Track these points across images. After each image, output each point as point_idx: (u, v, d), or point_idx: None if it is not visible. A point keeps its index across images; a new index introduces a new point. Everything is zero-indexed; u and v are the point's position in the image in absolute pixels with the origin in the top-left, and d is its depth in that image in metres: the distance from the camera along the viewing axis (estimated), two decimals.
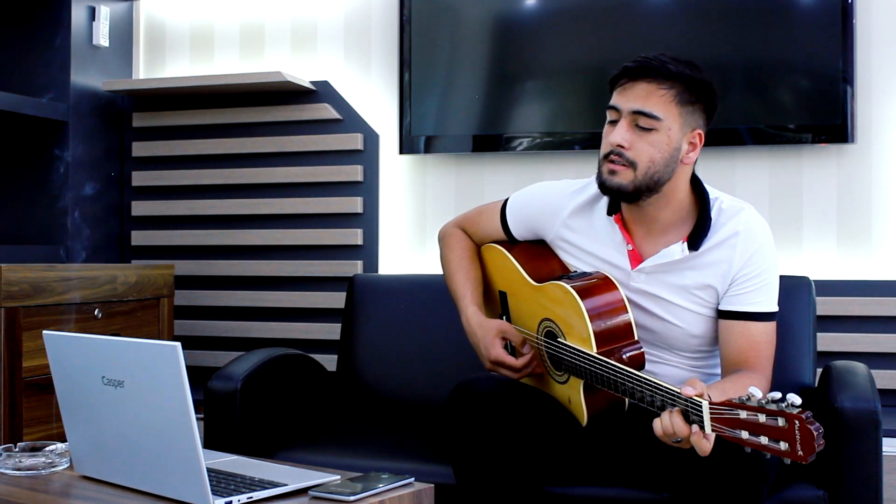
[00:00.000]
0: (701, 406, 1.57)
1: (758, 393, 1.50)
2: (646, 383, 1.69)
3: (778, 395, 1.49)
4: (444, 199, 3.04)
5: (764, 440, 1.48)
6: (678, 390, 1.61)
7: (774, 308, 1.92)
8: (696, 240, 1.90)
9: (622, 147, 1.86)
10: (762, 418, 1.49)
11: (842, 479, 1.91)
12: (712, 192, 1.96)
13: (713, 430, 1.56)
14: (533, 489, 1.91)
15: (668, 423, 1.62)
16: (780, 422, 1.47)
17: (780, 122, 2.70)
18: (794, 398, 1.46)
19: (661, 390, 1.65)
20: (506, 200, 2.19)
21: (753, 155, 2.78)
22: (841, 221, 2.72)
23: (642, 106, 1.84)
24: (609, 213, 1.98)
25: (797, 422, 1.45)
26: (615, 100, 1.89)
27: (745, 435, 1.51)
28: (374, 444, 2.31)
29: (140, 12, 3.37)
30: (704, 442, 1.58)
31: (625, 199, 1.92)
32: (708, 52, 2.75)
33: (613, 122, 1.89)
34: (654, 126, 1.84)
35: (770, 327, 1.91)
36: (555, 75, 2.89)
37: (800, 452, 1.45)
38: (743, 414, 1.51)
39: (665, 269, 1.93)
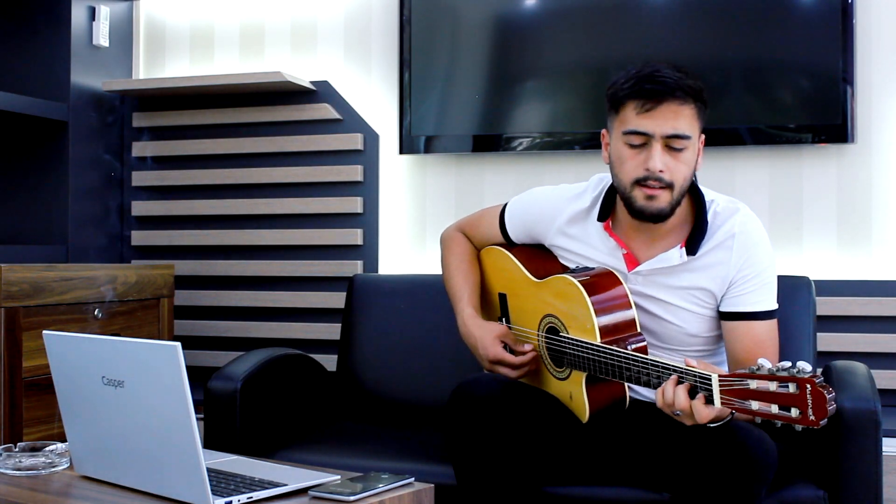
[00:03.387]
0: (710, 379, 1.59)
1: (767, 363, 1.52)
2: (652, 364, 1.71)
3: (788, 363, 1.51)
4: (444, 199, 3.04)
5: (774, 409, 1.49)
6: (687, 367, 1.65)
7: (775, 306, 1.94)
8: (693, 244, 1.91)
9: (662, 172, 1.85)
10: (772, 386, 1.49)
11: (842, 479, 1.91)
12: (707, 193, 1.97)
13: (723, 404, 1.57)
14: (533, 489, 1.91)
15: (669, 394, 1.66)
16: (792, 388, 1.47)
17: (780, 122, 2.70)
18: (804, 365, 1.48)
19: (670, 369, 1.67)
20: (505, 205, 2.21)
21: (753, 155, 2.78)
22: (841, 221, 2.72)
23: (674, 129, 1.83)
24: (599, 219, 2.00)
25: (809, 385, 1.45)
26: (643, 124, 1.84)
27: (755, 405, 1.52)
28: (374, 444, 2.31)
29: (140, 12, 3.37)
30: (704, 408, 1.61)
31: (659, 221, 1.90)
32: (708, 52, 2.75)
33: (637, 147, 1.86)
34: (686, 146, 1.85)
35: (772, 325, 1.93)
36: (555, 75, 2.89)
37: (811, 417, 1.45)
38: (753, 384, 1.52)
39: (661, 273, 1.95)
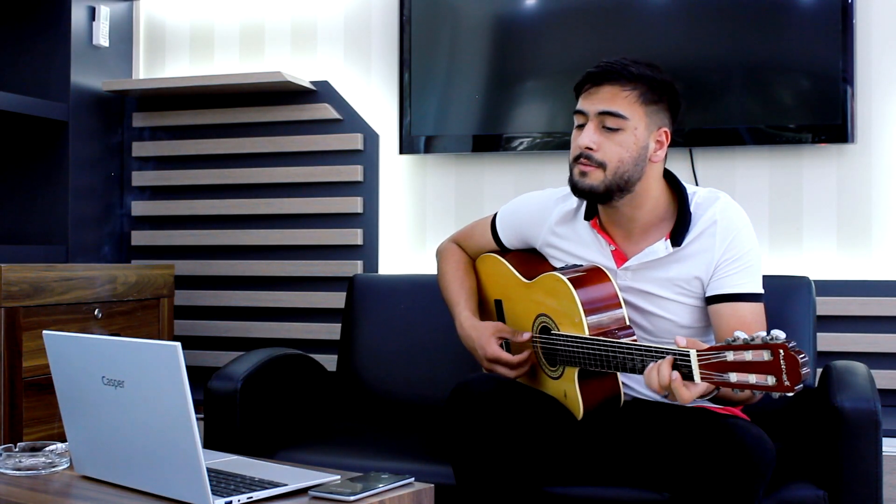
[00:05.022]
0: (689, 354, 1.61)
1: (742, 334, 1.55)
2: (636, 349, 1.74)
3: (763, 332, 1.53)
4: (444, 199, 3.04)
5: (752, 379, 1.52)
6: (666, 347, 1.67)
7: (759, 290, 1.96)
8: (678, 236, 1.95)
9: (590, 149, 1.91)
10: (748, 356, 1.52)
11: (842, 479, 1.91)
12: (689, 187, 2.01)
13: (702, 379, 1.59)
14: (533, 489, 1.91)
15: (653, 373, 1.67)
16: (766, 355, 1.50)
17: (780, 122, 2.70)
18: (777, 332, 1.51)
19: (652, 350, 1.70)
20: (495, 214, 2.26)
21: (753, 155, 2.78)
22: (841, 221, 2.72)
23: (608, 106, 1.90)
24: (586, 218, 2.04)
25: (781, 351, 1.49)
26: (581, 104, 1.95)
27: (733, 378, 1.54)
28: (374, 444, 2.31)
29: (140, 12, 3.37)
30: (683, 389, 1.63)
31: (598, 200, 1.97)
32: (708, 52, 2.75)
33: (581, 126, 1.95)
34: (621, 126, 1.90)
35: (758, 308, 1.94)
36: (555, 75, 2.89)
37: (786, 382, 1.48)
38: (730, 356, 1.55)
39: (650, 266, 1.98)
